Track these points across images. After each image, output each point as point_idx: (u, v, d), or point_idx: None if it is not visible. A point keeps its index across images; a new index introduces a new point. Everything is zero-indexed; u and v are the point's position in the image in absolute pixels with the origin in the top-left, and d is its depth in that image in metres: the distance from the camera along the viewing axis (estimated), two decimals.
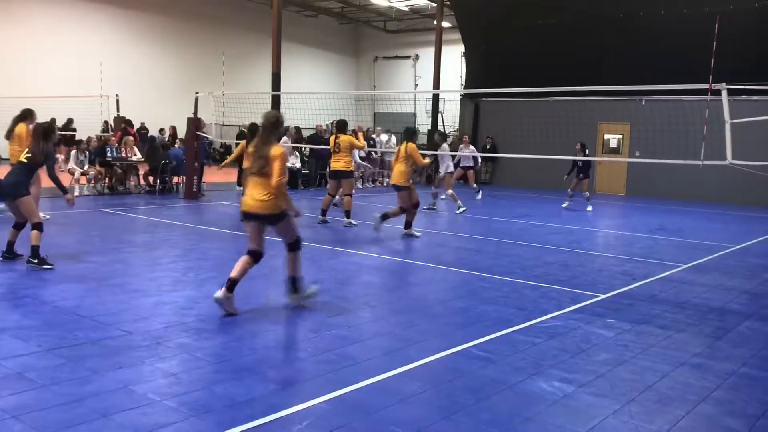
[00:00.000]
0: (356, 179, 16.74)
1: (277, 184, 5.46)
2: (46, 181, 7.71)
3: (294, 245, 5.76)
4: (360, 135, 13.59)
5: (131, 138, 15.42)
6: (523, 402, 3.96)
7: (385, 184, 20.44)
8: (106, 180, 14.76)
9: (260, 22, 27.87)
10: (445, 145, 15.20)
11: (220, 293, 5.47)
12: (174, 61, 27.25)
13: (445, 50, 24.71)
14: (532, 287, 7.02)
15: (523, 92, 18.65)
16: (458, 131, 23.13)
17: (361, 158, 17.91)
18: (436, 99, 23.68)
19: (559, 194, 18.72)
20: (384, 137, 20.59)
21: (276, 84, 18.44)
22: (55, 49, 23.42)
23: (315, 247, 8.74)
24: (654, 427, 3.67)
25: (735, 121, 8.30)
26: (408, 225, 10.15)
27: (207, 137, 15.66)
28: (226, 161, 12.20)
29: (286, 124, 18.30)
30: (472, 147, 16.10)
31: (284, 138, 16.04)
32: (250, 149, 5.78)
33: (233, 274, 5.53)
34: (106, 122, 19.07)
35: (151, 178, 15.33)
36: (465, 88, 24.81)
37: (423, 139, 26.11)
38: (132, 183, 15.32)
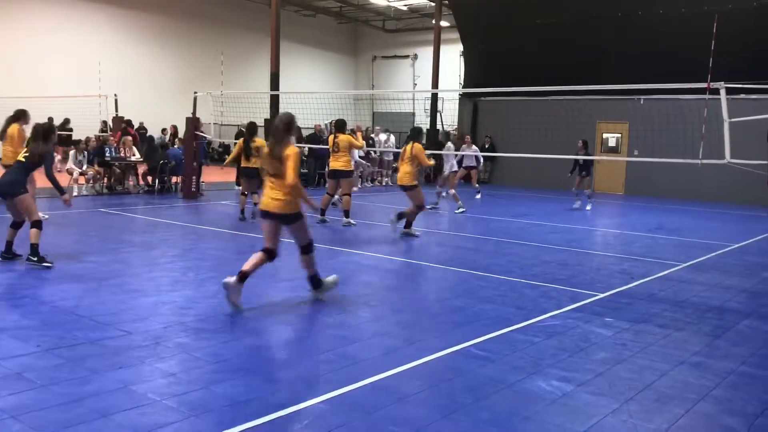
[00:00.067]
0: (356, 179, 16.72)
1: (292, 183, 5.57)
2: (42, 182, 7.72)
3: (306, 248, 5.91)
4: (359, 135, 13.59)
5: (129, 138, 15.41)
6: (522, 401, 3.96)
7: (383, 184, 20.44)
8: (105, 180, 14.76)
9: (259, 21, 27.85)
10: (449, 144, 15.20)
11: (230, 279, 5.58)
12: (173, 61, 27.23)
13: (444, 49, 24.71)
14: (530, 286, 7.02)
15: (522, 91, 18.63)
16: (456, 131, 23.14)
17: (360, 157, 17.90)
18: (434, 98, 23.68)
19: (558, 193, 18.74)
20: (383, 136, 20.59)
21: (275, 83, 18.44)
22: (55, 49, 23.41)
23: (318, 247, 8.71)
24: (653, 426, 3.68)
25: (733, 120, 8.31)
26: (408, 224, 10.15)
27: (206, 137, 15.66)
28: (227, 160, 12.15)
29: None
30: (474, 147, 16.12)
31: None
32: (265, 150, 5.87)
33: (245, 267, 5.66)
34: (104, 122, 19.06)
35: (149, 178, 15.33)
36: (464, 87, 24.82)
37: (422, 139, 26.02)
38: (131, 183, 15.32)
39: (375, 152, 19.39)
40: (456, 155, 14.84)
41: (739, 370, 4.66)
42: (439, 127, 22.75)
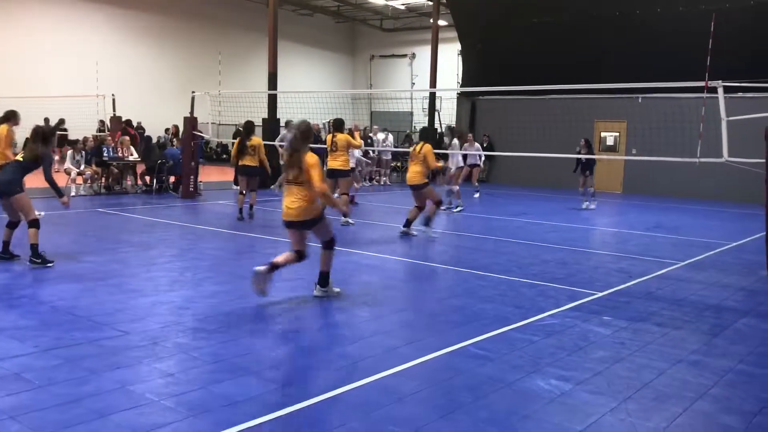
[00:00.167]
0: (357, 177, 16.67)
1: (321, 191, 5.80)
2: (37, 183, 7.71)
3: (329, 243, 6.12)
4: (357, 134, 13.57)
5: (127, 138, 15.39)
6: (521, 400, 3.96)
7: (382, 183, 20.44)
8: (103, 180, 14.74)
9: (257, 21, 27.85)
10: (455, 142, 15.19)
11: (261, 267, 5.80)
12: (172, 61, 27.23)
13: (442, 48, 24.71)
14: (529, 285, 7.03)
15: (520, 90, 18.65)
16: (455, 128, 23.16)
17: (363, 153, 17.82)
18: (432, 97, 23.69)
19: (556, 192, 18.76)
20: (381, 136, 20.57)
21: (272, 83, 18.42)
22: (55, 49, 23.40)
23: (313, 246, 8.71)
24: (651, 425, 3.68)
25: (731, 118, 8.32)
26: (408, 224, 10.13)
27: (204, 136, 15.64)
28: (232, 160, 11.83)
29: (282, 123, 18.30)
30: (477, 145, 16.12)
31: (288, 135, 16.00)
32: (284, 158, 6.07)
33: (277, 259, 5.94)
34: (101, 122, 19.03)
35: (147, 178, 15.31)
36: (462, 86, 24.82)
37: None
38: (128, 183, 15.30)
39: (373, 152, 19.37)
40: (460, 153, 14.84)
41: (736, 369, 4.66)
42: (437, 125, 22.75)
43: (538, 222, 12.41)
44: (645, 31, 18.61)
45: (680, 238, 10.93)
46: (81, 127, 18.30)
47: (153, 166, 15.06)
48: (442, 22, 25.15)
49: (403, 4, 29.35)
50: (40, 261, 6.98)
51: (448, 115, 24.42)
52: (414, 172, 10.02)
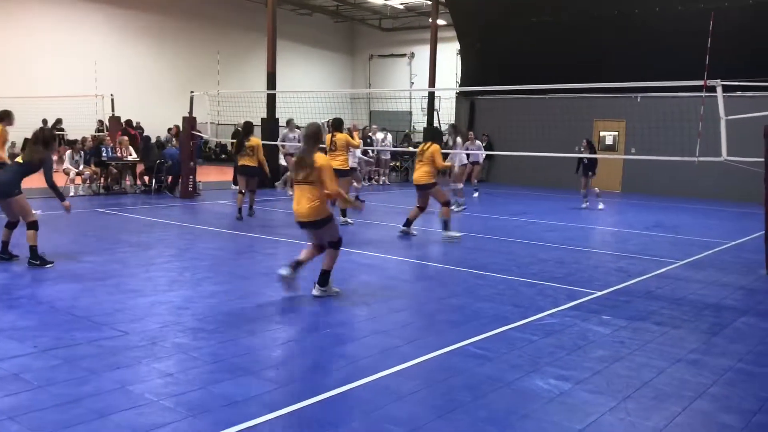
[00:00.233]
0: (359, 176, 16.66)
1: (334, 192, 6.00)
2: (37, 183, 7.70)
3: (336, 244, 6.21)
4: (355, 134, 13.57)
5: (126, 138, 15.38)
6: (520, 399, 3.96)
7: (381, 183, 20.43)
8: (102, 180, 14.73)
9: (256, 20, 27.83)
10: (459, 140, 15.18)
11: (285, 270, 6.00)
12: (171, 61, 27.21)
13: (441, 48, 24.71)
14: (528, 284, 7.03)
15: (519, 90, 18.65)
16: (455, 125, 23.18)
17: (362, 153, 17.81)
18: (431, 97, 23.68)
19: (555, 191, 18.76)
20: (380, 135, 20.56)
21: (271, 83, 18.42)
22: (54, 48, 23.38)
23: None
24: (650, 424, 3.68)
25: (730, 117, 8.32)
26: (408, 223, 10.12)
27: (203, 136, 15.62)
28: (238, 155, 11.62)
29: (281, 122, 18.24)
30: (478, 142, 16.13)
31: (289, 134, 15.98)
32: (295, 160, 6.21)
33: (300, 256, 6.15)
34: (100, 121, 19.02)
35: (146, 178, 15.30)
36: (460, 85, 24.82)
37: (419, 138, 26.02)
38: (127, 183, 15.29)
39: (373, 151, 19.36)
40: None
41: (736, 368, 4.67)
42: (435, 125, 22.74)
43: (537, 221, 12.42)
44: (643, 30, 18.62)
45: (679, 237, 10.94)
46: (80, 127, 18.31)
47: (152, 166, 15.05)
48: (441, 22, 25.15)
49: (401, 4, 29.34)
50: (39, 262, 6.98)
51: (447, 114, 24.42)
52: (422, 173, 9.80)
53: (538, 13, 20.42)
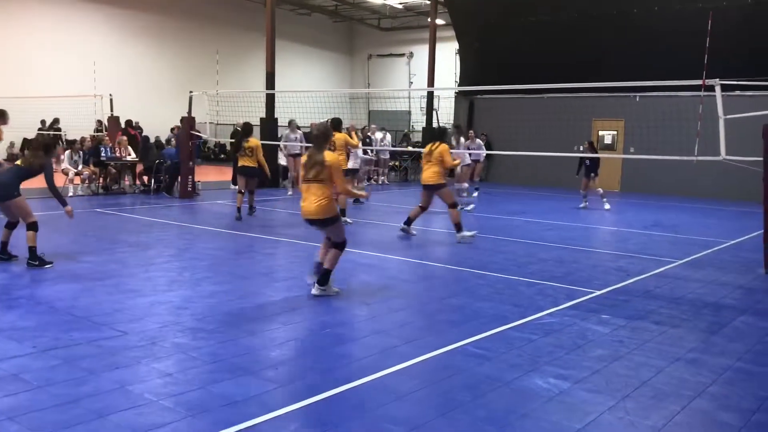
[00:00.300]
0: (361, 177, 16.66)
1: (344, 190, 6.40)
2: (36, 183, 7.69)
3: (340, 245, 6.27)
4: (354, 134, 13.58)
5: (125, 138, 15.38)
6: (519, 399, 3.97)
7: (380, 182, 20.43)
8: (101, 180, 14.72)
9: (254, 20, 27.81)
10: (462, 139, 15.17)
11: (315, 290, 6.15)
12: (171, 61, 27.19)
13: (440, 47, 24.70)
14: (527, 284, 7.03)
15: (518, 89, 18.65)
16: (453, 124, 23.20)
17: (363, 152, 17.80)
18: (430, 96, 23.68)
19: (554, 191, 18.76)
20: (379, 135, 20.55)
21: (270, 82, 18.42)
22: (54, 48, 23.36)
23: (312, 245, 8.72)
24: (649, 423, 3.69)
25: (729, 116, 8.33)
26: (409, 221, 10.10)
27: (202, 136, 15.62)
28: (238, 154, 11.64)
29: (281, 122, 18.22)
30: (478, 141, 16.11)
31: (291, 135, 15.97)
32: (304, 158, 6.31)
33: (319, 258, 6.30)
34: (99, 121, 19.01)
35: (145, 178, 15.30)
36: (459, 85, 24.82)
37: (419, 137, 26.09)
38: (127, 183, 15.28)
39: (372, 151, 19.36)
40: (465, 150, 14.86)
41: (735, 367, 4.67)
42: (434, 124, 22.75)
43: (535, 221, 12.42)
44: (642, 30, 18.62)
45: (678, 237, 10.94)
46: (79, 127, 18.28)
47: (151, 166, 15.04)
48: (439, 21, 25.13)
49: (400, 3, 29.33)
50: (38, 263, 6.98)
51: (446, 114, 24.42)
52: (432, 173, 9.69)
53: (537, 13, 20.42)
